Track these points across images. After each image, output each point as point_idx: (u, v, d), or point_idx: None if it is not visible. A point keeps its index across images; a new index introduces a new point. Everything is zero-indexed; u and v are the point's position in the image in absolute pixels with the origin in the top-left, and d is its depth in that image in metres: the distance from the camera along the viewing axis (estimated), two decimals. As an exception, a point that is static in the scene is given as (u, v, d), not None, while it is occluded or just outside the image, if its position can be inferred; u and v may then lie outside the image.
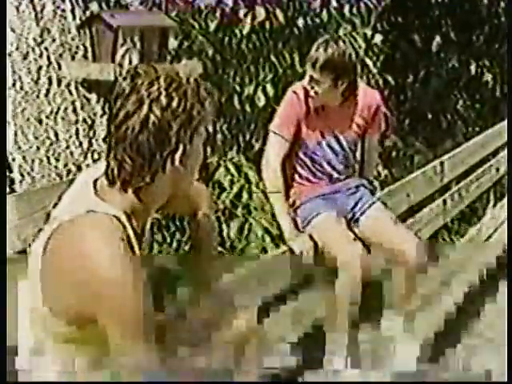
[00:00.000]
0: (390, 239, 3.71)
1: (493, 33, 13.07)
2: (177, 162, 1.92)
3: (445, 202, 5.26)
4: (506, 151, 6.95)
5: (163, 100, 1.86)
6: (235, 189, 4.84)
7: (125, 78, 1.90)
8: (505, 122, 7.06)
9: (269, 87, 5.72)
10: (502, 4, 13.49)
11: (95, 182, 1.97)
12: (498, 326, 4.77)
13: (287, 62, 5.81)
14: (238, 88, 5.81)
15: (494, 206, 6.51)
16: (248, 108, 5.87)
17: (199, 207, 2.58)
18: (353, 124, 3.73)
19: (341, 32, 5.93)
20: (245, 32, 5.56)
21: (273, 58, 5.73)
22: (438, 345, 4.30)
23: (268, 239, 4.49)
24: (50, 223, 1.91)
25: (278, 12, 5.54)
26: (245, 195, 4.85)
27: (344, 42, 3.58)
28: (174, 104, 1.87)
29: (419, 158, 9.43)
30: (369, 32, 6.43)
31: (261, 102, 5.76)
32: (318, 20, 6.21)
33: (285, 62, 5.79)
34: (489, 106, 12.48)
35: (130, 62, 3.67)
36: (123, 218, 1.91)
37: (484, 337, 4.71)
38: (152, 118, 1.84)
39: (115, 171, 1.91)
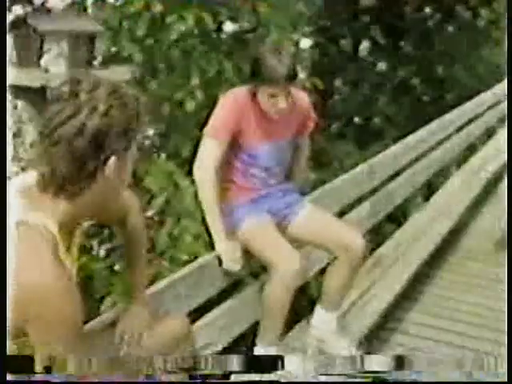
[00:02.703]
0: (332, 234, 3.76)
1: (420, 37, 13.28)
2: (111, 170, 1.91)
3: (374, 204, 5.32)
4: (437, 152, 7.10)
5: (102, 108, 1.85)
6: (165, 196, 4.81)
7: (64, 84, 1.89)
8: (433, 124, 7.20)
9: (198, 93, 5.71)
10: (428, 10, 13.75)
11: (25, 190, 1.95)
12: (426, 330, 4.88)
13: (216, 67, 5.79)
14: (167, 94, 5.78)
15: (422, 206, 6.61)
16: (178, 113, 5.84)
17: (128, 215, 2.57)
18: (290, 129, 3.73)
19: (271, 37, 5.93)
20: (173, 37, 5.52)
21: (202, 63, 5.71)
22: (370, 342, 4.37)
23: (198, 245, 4.48)
24: None
25: (207, 17, 5.52)
26: (174, 202, 4.83)
27: (283, 48, 3.55)
28: (113, 113, 1.86)
29: (349, 161, 9.50)
30: (297, 37, 6.45)
31: (190, 107, 5.73)
32: (246, 25, 6.23)
33: (214, 67, 5.78)
34: (417, 108, 12.67)
35: (57, 68, 3.62)
36: (52, 227, 1.89)
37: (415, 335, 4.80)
38: (89, 124, 1.84)
39: (47, 177, 1.89)
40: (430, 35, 13.25)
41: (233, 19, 6.05)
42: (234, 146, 3.58)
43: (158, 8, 5.39)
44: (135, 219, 2.61)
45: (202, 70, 5.75)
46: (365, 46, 14.06)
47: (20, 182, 2.01)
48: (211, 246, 3.63)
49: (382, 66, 13.81)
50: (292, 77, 3.43)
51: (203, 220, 3.73)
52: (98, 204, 2.04)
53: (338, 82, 13.85)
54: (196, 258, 3.95)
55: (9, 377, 1.85)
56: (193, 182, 3.75)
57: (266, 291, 3.55)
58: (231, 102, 3.57)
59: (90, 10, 5.62)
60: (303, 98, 3.80)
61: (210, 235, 3.63)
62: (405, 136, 6.46)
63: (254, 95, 3.52)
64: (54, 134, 1.85)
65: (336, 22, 13.06)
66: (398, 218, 6.37)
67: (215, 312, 3.54)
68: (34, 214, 1.89)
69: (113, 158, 1.90)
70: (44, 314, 1.82)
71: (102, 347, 2.47)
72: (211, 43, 5.88)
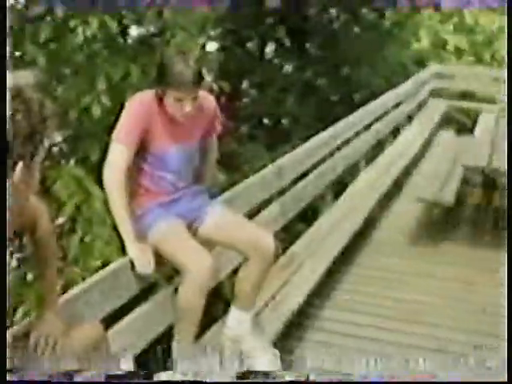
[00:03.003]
0: (243, 235, 3.79)
1: (325, 39, 13.45)
2: (17, 177, 1.88)
3: (284, 203, 5.36)
4: (345, 150, 7.22)
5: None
6: (75, 202, 4.75)
7: None
8: (341, 123, 7.33)
9: (104, 98, 5.65)
10: (333, 11, 13.94)
11: None
12: (341, 325, 4.94)
13: (122, 72, 5.75)
14: (73, 99, 5.71)
15: (332, 204, 6.70)
16: (85, 119, 5.77)
17: (37, 223, 2.53)
18: (198, 132, 3.74)
19: (177, 40, 5.92)
20: (78, 42, 5.45)
21: (108, 68, 5.66)
22: (285, 340, 4.40)
23: (110, 251, 4.44)
24: None
25: (111, 21, 5.47)
26: (85, 208, 4.77)
27: (189, 52, 3.56)
28: (17, 118, 1.83)
29: (259, 163, 9.55)
30: (204, 40, 6.46)
31: (97, 113, 5.67)
32: (152, 29, 6.20)
33: (120, 71, 5.73)
34: (324, 109, 12.83)
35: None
36: None
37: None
38: None
39: None
40: (335, 36, 13.43)
41: (138, 23, 6.00)
42: (142, 149, 3.57)
43: (60, 12, 5.32)
44: (44, 226, 2.58)
45: (107, 75, 5.68)
46: (271, 48, 14.16)
47: None
48: (123, 251, 3.60)
49: (288, 67, 13.93)
50: (198, 80, 3.46)
51: (114, 225, 3.70)
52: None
53: (245, 85, 13.91)
54: (109, 263, 3.90)
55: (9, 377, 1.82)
56: (102, 187, 3.71)
57: (179, 294, 3.55)
58: (137, 106, 3.56)
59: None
60: (210, 101, 3.82)
61: (121, 240, 3.61)
62: (313, 136, 6.54)
63: (160, 99, 3.53)
64: None
65: (242, 24, 13.11)
66: (308, 216, 6.43)
67: (130, 316, 3.51)
68: None
69: (19, 165, 1.87)
70: None
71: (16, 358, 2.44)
72: (116, 48, 5.83)
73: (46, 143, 1.97)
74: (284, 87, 13.02)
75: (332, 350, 4.38)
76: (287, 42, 13.79)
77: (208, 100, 3.79)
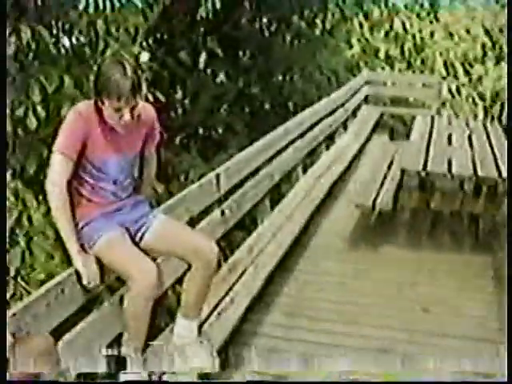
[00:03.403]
0: (185, 242, 3.81)
1: (257, 47, 13.52)
2: None
3: (223, 212, 5.37)
4: (278, 160, 7.26)
5: None
6: (14, 215, 4.68)
7: None
8: (276, 131, 7.38)
9: (40, 109, 5.58)
10: (264, 19, 14.02)
11: None
12: (285, 330, 4.96)
13: (56, 83, 5.68)
14: (8, 111, 5.62)
15: (271, 211, 6.74)
16: (20, 131, 5.68)
17: None
18: (138, 141, 3.75)
19: (109, 51, 5.88)
20: (10, 52, 5.37)
21: (42, 79, 5.59)
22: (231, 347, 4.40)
23: (53, 264, 4.38)
24: None
25: (43, 31, 5.40)
26: (24, 221, 4.71)
27: (126, 62, 3.53)
28: None
29: (194, 173, 9.56)
30: (136, 50, 6.42)
31: (33, 124, 5.59)
32: (83, 39, 6.14)
33: (54, 82, 5.66)
34: (258, 116, 12.91)
35: None
36: None
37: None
38: None
39: None
40: (266, 44, 13.50)
41: (70, 33, 5.94)
42: (82, 160, 3.56)
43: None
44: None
45: (42, 86, 5.61)
46: (203, 57, 14.15)
47: None
48: (67, 263, 3.57)
49: (221, 77, 13.95)
50: (136, 90, 3.45)
51: (56, 237, 3.67)
52: None
53: (178, 95, 13.87)
54: (52, 276, 3.86)
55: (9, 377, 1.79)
56: (41, 198, 3.68)
57: (126, 303, 3.56)
58: (76, 117, 3.55)
59: None
60: (149, 111, 3.84)
61: (64, 252, 3.58)
62: (248, 144, 6.57)
63: (99, 109, 3.52)
64: None
65: (173, 34, 13.09)
66: (247, 224, 6.45)
67: (78, 328, 3.48)
68: None
69: None
70: None
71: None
72: (49, 58, 5.76)
73: None
74: (217, 96, 13.04)
75: (277, 355, 4.41)
76: (219, 51, 13.81)
77: (147, 109, 3.80)
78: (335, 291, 5.67)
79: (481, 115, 14.11)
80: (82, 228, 3.60)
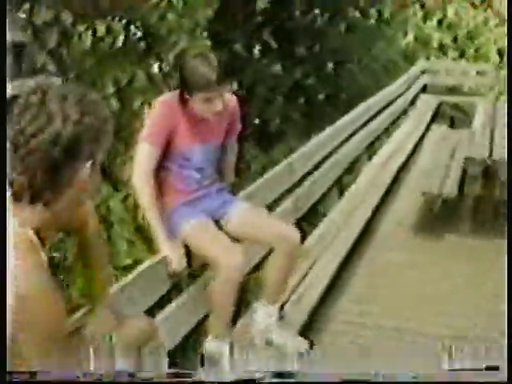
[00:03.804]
0: (268, 227, 3.89)
1: (312, 39, 13.53)
2: (85, 176, 1.95)
3: (296, 199, 5.44)
4: (346, 148, 7.30)
5: (75, 115, 1.88)
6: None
7: (32, 93, 1.91)
8: (341, 120, 7.42)
9: (113, 101, 5.70)
10: (316, 11, 14.02)
11: None
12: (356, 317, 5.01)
13: (129, 76, 5.80)
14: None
15: (339, 201, 6.79)
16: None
17: (87, 222, 2.58)
18: (222, 130, 3.82)
19: (180, 44, 5.98)
20: (86, 47, 5.50)
21: (115, 72, 5.70)
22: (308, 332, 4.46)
23: (137, 249, 4.48)
24: None
25: (117, 25, 5.52)
26: (103, 210, 4.82)
27: (210, 54, 3.62)
28: (85, 120, 1.90)
29: (255, 164, 9.63)
30: (207, 42, 6.51)
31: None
32: (156, 32, 6.24)
33: (126, 75, 5.78)
34: (314, 107, 12.94)
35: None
36: (32, 235, 1.91)
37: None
38: (64, 133, 1.87)
39: (24, 186, 1.90)
40: (321, 35, 13.51)
41: (143, 27, 6.04)
42: (168, 149, 3.64)
43: (68, 19, 5.36)
44: (94, 222, 2.63)
45: (115, 79, 5.73)
46: (258, 48, 14.20)
47: None
48: (151, 249, 3.66)
49: (276, 68, 13.98)
50: (223, 80, 3.52)
51: (136, 225, 3.76)
52: (71, 209, 2.07)
53: (234, 86, 13.93)
54: (138, 261, 3.96)
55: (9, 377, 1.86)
56: (117, 188, 3.77)
57: (213, 289, 3.63)
58: (163, 107, 3.65)
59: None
60: (232, 101, 3.90)
61: (146, 238, 3.67)
62: (305, 135, 6.62)
63: (183, 100, 3.60)
64: (29, 144, 1.87)
65: (228, 26, 13.16)
66: (317, 212, 6.51)
67: (162, 314, 3.57)
68: (13, 222, 1.90)
69: (88, 164, 1.94)
70: (33, 322, 1.84)
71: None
72: (122, 52, 5.88)
73: (107, 144, 2.03)
74: (273, 87, 13.09)
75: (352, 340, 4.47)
76: (274, 43, 13.84)
77: (230, 99, 3.86)
78: (402, 280, 5.69)
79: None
80: (168, 215, 3.69)
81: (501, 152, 7.06)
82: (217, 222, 3.83)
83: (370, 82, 12.99)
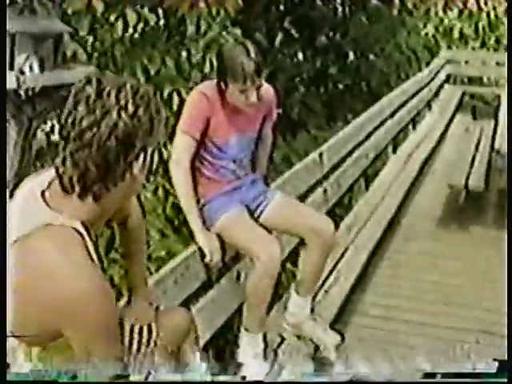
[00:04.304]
0: (304, 220, 3.86)
1: (334, 28, 13.47)
2: (139, 169, 1.93)
3: (325, 191, 5.43)
4: (374, 138, 7.27)
5: (130, 108, 1.86)
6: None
7: (88, 84, 1.88)
8: (367, 112, 7.39)
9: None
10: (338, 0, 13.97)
11: (43, 193, 1.94)
12: (383, 310, 4.99)
13: (158, 65, 5.79)
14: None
15: (365, 192, 6.77)
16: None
17: (130, 214, 2.58)
18: (258, 121, 3.80)
19: (210, 32, 5.96)
20: (116, 36, 5.49)
21: (145, 61, 5.69)
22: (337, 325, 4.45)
23: (170, 241, 4.46)
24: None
25: (149, 15, 5.51)
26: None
27: (249, 44, 3.59)
28: (140, 112, 1.88)
29: (277, 153, 9.60)
30: (238, 32, 6.49)
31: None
32: (182, 22, 6.22)
33: (156, 64, 5.77)
34: (335, 96, 12.90)
35: (31, 69, 3.56)
36: (81, 228, 1.89)
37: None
38: (121, 125, 1.84)
39: (75, 179, 1.88)
40: (342, 24, 13.46)
41: (175, 16, 6.02)
42: (205, 139, 3.62)
43: (100, 7, 5.35)
44: (137, 214, 2.63)
45: (144, 68, 5.73)
46: (279, 37, 14.15)
47: (39, 183, 1.99)
48: (183, 240, 3.66)
49: (298, 57, 13.94)
50: (260, 71, 3.49)
51: (166, 216, 3.75)
52: (120, 202, 2.05)
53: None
54: (171, 253, 3.96)
55: (9, 377, 1.85)
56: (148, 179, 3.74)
57: (250, 282, 3.61)
58: (200, 97, 3.61)
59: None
60: (269, 92, 3.86)
61: (177, 230, 3.66)
62: (326, 125, 6.60)
63: (220, 90, 3.57)
64: (84, 137, 1.85)
65: (249, 15, 13.12)
66: (344, 204, 6.50)
67: (198, 305, 3.58)
68: (60, 216, 1.88)
69: (141, 156, 1.93)
70: (86, 317, 1.82)
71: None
72: (152, 40, 5.87)
73: (160, 137, 2.01)
74: (294, 76, 13.05)
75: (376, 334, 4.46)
76: (295, 32, 13.79)
77: (267, 89, 3.82)
78: (428, 271, 5.67)
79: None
80: (204, 206, 3.68)
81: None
82: (251, 213, 3.81)
83: (392, 72, 12.94)
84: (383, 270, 5.68)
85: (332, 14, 13.72)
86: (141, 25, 5.58)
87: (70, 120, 1.87)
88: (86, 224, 1.93)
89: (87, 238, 1.91)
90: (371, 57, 13.30)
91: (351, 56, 13.57)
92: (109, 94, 1.85)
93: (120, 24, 5.41)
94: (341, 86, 13.68)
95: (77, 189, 1.89)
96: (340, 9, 13.96)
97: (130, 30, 5.53)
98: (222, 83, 3.55)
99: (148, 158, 1.98)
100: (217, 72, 3.61)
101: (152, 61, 5.71)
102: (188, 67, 5.82)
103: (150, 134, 1.94)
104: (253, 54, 3.48)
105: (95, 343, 1.86)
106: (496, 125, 8.40)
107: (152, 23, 5.67)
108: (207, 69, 5.78)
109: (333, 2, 13.88)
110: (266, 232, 3.66)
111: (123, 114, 1.85)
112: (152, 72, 5.75)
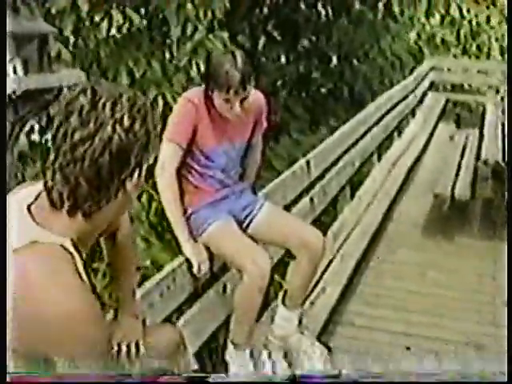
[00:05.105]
0: (293, 232, 3.77)
1: (317, 32, 13.43)
2: (132, 185, 1.82)
3: (312, 199, 5.35)
4: (359, 146, 7.22)
5: (126, 121, 1.73)
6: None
7: (82, 94, 1.76)
8: (354, 119, 7.33)
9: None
10: (321, 3, 13.92)
11: (29, 207, 1.82)
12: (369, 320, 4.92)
13: (144, 67, 5.68)
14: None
15: (351, 200, 6.71)
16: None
17: (119, 227, 2.47)
18: (247, 130, 3.70)
19: (197, 35, 5.86)
20: (101, 36, 5.38)
21: (130, 63, 5.58)
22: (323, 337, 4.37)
23: (154, 250, 4.36)
24: None
25: (135, 16, 5.41)
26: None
27: (238, 53, 3.48)
28: (137, 126, 1.76)
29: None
30: (225, 35, 6.40)
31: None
32: (168, 23, 6.12)
33: (141, 67, 5.66)
34: (318, 101, 12.86)
35: (15, 72, 3.44)
36: (70, 246, 1.78)
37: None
38: (115, 139, 1.72)
39: (65, 195, 1.76)
40: (326, 29, 13.41)
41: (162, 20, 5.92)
42: (192, 148, 3.52)
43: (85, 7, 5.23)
44: (126, 231, 2.52)
45: (129, 70, 5.62)
46: (262, 41, 14.10)
47: (24, 197, 1.86)
48: (168, 249, 3.57)
49: (281, 60, 13.90)
50: (246, 82, 3.36)
51: (151, 224, 3.66)
52: (112, 219, 1.95)
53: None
54: (156, 262, 3.86)
55: (9, 377, 1.76)
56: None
57: (239, 294, 3.52)
58: (187, 104, 3.50)
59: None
60: (259, 99, 3.76)
61: (161, 238, 3.57)
62: (309, 129, 6.56)
63: (208, 96, 3.47)
64: (76, 151, 1.72)
65: (233, 17, 13.05)
66: (330, 212, 6.42)
67: (184, 318, 3.48)
68: (48, 233, 1.76)
69: (136, 173, 1.81)
70: (73, 344, 1.72)
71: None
72: (137, 42, 5.76)
73: (155, 151, 1.90)
74: (276, 80, 13.00)
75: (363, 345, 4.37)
76: (278, 35, 13.74)
77: (257, 97, 3.73)
78: (413, 281, 5.60)
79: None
80: (191, 215, 3.58)
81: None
82: (239, 224, 3.72)
83: (375, 77, 12.92)
84: (369, 279, 5.61)
85: (315, 18, 13.69)
86: (126, 25, 5.47)
87: (61, 132, 1.74)
88: (76, 242, 1.81)
89: (77, 257, 1.79)
90: (355, 61, 13.28)
91: (334, 60, 13.55)
92: (104, 106, 1.72)
93: (105, 24, 5.29)
94: (324, 91, 13.66)
95: (66, 205, 1.77)
96: (323, 12, 13.93)
97: (114, 31, 5.41)
98: (208, 89, 3.44)
99: (143, 174, 1.86)
100: (203, 77, 3.50)
101: (137, 64, 5.60)
102: (174, 70, 5.71)
103: (146, 150, 1.82)
104: (240, 65, 3.33)
105: (82, 361, 1.76)
106: (481, 134, 8.37)
107: (137, 23, 5.55)
108: (194, 73, 5.68)
109: (316, 5, 13.85)
110: (254, 245, 3.57)
111: (118, 128, 1.72)
112: (137, 75, 5.64)
